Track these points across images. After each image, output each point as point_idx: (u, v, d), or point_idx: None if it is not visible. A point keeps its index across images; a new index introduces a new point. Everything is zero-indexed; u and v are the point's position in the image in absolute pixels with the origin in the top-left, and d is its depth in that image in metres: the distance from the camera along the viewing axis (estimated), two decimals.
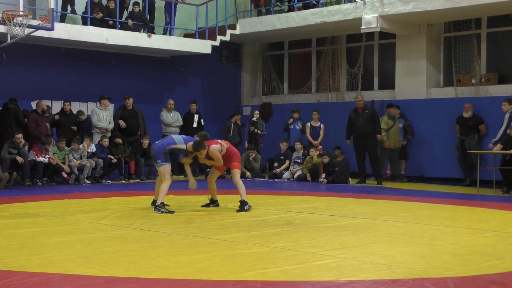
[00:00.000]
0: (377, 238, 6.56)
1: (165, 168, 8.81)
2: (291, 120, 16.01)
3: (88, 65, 15.79)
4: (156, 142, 9.04)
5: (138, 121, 14.73)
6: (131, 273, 4.82)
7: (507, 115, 12.69)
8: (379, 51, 16.79)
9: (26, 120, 13.61)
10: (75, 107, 15.13)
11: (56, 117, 13.99)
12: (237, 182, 8.98)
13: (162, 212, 8.55)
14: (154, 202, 9.07)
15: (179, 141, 8.96)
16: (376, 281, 4.65)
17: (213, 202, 9.32)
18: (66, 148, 13.35)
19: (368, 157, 13.99)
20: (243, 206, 8.86)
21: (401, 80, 15.84)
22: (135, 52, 16.30)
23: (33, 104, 14.58)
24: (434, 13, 14.02)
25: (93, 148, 13.76)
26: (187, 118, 15.65)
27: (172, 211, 8.66)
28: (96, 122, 14.32)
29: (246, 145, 15.98)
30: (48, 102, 14.54)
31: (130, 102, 14.69)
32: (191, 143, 8.86)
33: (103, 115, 14.40)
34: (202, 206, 9.27)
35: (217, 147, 8.94)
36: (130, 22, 15.26)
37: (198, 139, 8.93)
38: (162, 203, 8.70)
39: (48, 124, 13.73)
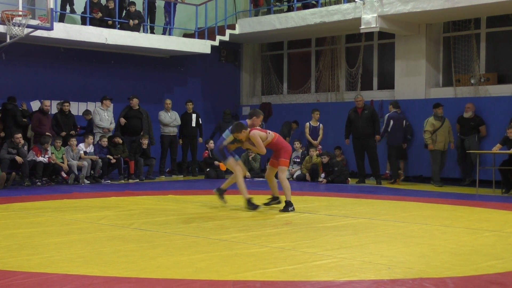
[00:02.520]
0: (377, 238, 6.57)
1: (229, 164, 8.84)
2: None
3: (87, 65, 15.79)
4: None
5: (142, 122, 14.74)
6: (130, 273, 4.82)
7: (386, 115, 14.21)
8: (378, 51, 16.80)
9: (24, 120, 13.63)
10: (74, 107, 15.14)
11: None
12: (282, 181, 8.73)
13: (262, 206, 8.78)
14: (274, 199, 9.14)
15: (226, 134, 8.88)
16: (375, 281, 4.65)
17: (274, 199, 9.14)
18: (62, 148, 13.33)
19: (368, 157, 14.00)
20: (287, 207, 8.69)
21: (401, 80, 15.84)
22: (135, 52, 16.30)
23: (32, 104, 14.61)
24: (433, 13, 14.03)
25: (91, 148, 13.76)
26: (185, 118, 15.66)
27: (257, 206, 8.75)
28: (98, 122, 14.35)
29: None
30: (47, 102, 14.52)
31: (134, 102, 14.71)
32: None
33: (105, 115, 14.43)
34: (265, 204, 9.09)
35: (260, 133, 8.63)
36: (131, 22, 15.23)
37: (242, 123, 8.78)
38: (249, 199, 8.72)
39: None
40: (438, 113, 13.66)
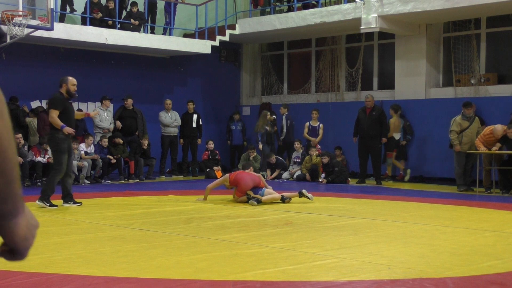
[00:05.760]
0: (377, 238, 6.56)
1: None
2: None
3: (87, 65, 15.79)
4: None
5: (137, 122, 14.73)
6: (130, 273, 4.81)
7: (283, 117, 15.94)
8: (378, 51, 16.80)
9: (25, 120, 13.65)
10: (74, 107, 15.10)
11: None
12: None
13: None
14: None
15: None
16: (375, 281, 4.65)
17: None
18: None
19: (371, 158, 13.96)
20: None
21: (401, 80, 15.85)
22: (135, 52, 16.30)
23: (32, 104, 14.61)
24: (433, 13, 14.03)
25: (92, 148, 13.76)
26: (186, 118, 15.67)
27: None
28: (98, 122, 14.35)
29: (260, 146, 15.65)
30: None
31: (129, 102, 14.71)
32: None
33: (104, 116, 14.43)
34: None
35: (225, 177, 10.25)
36: (133, 21, 15.21)
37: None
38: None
39: None
40: (466, 113, 12.56)
